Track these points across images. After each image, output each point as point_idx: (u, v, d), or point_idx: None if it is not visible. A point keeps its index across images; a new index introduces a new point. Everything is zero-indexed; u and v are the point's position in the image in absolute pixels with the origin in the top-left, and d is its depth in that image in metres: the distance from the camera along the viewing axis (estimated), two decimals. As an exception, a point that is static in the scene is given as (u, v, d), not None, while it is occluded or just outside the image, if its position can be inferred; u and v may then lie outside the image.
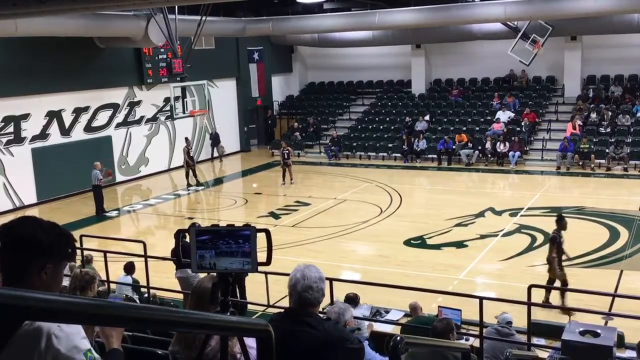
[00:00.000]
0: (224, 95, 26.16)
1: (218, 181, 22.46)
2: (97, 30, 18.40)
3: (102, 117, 21.05)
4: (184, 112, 20.60)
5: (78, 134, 20.21)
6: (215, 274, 2.71)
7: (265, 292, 9.13)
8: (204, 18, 18.54)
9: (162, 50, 21.39)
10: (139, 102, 22.34)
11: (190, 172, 20.72)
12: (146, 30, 18.71)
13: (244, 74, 26.52)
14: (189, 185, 20.66)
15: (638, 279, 11.39)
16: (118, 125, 21.64)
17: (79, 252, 9.74)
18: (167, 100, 23.04)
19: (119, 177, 21.57)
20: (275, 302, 9.07)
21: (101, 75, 20.34)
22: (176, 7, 17.73)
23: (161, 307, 2.10)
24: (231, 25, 24.03)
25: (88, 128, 20.58)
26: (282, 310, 3.25)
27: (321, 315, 3.19)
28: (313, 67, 30.37)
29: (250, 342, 2.41)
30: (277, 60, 28.77)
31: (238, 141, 27.24)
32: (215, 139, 25.10)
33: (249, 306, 8.63)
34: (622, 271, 11.63)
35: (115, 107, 21.46)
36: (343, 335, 2.98)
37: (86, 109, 20.44)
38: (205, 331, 2.10)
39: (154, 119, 23.05)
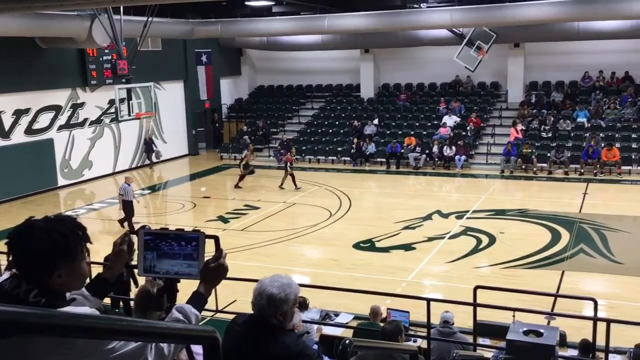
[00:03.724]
0: (171, 97, 25.77)
1: (160, 186, 22.07)
2: (39, 30, 17.86)
3: (44, 120, 20.42)
4: (129, 115, 20.20)
5: (18, 136, 19.54)
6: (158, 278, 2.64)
7: (213, 296, 9.01)
8: (150, 19, 18.24)
9: (106, 51, 20.92)
10: (82, 104, 21.76)
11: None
12: (90, 31, 18.26)
13: (192, 77, 26.21)
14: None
15: (579, 280, 11.75)
16: (60, 128, 21.03)
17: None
18: (111, 102, 22.57)
19: (61, 181, 20.97)
20: (224, 307, 8.96)
21: (43, 77, 19.74)
22: (121, 7, 17.38)
23: (103, 315, 2.02)
24: (179, 27, 23.71)
25: (29, 130, 19.93)
26: (241, 314, 3.16)
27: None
28: (262, 70, 30.26)
29: (198, 348, 2.35)
30: (226, 62, 28.55)
31: (186, 144, 26.87)
32: (149, 145, 24.35)
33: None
34: (563, 272, 11.98)
35: (57, 109, 20.86)
36: (303, 350, 2.92)
37: (27, 111, 19.80)
38: (150, 340, 2.04)
39: (98, 121, 22.50)
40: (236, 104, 29.48)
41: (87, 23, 18.17)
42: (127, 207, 15.22)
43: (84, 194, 20.87)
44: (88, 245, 2.18)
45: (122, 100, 19.73)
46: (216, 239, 2.52)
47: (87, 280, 2.34)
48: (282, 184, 19.80)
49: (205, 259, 2.50)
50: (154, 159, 24.48)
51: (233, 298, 9.20)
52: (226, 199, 19.93)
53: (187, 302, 2.36)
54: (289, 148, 22.27)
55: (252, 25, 24.15)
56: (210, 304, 8.89)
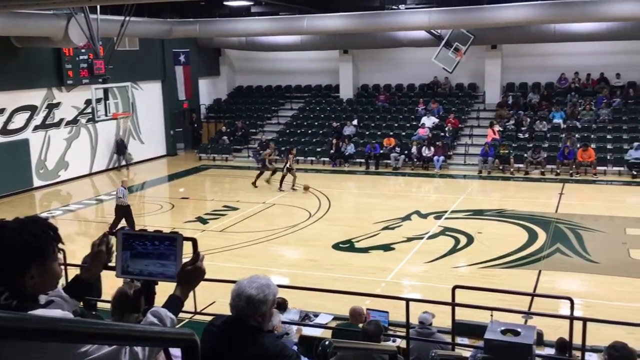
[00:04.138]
0: (148, 97, 25.56)
1: (138, 187, 21.86)
2: (15, 30, 17.60)
3: (19, 120, 20.11)
4: (106, 115, 20.00)
5: (-8, 136, 19.26)
6: (135, 279, 2.60)
7: (192, 298, 8.95)
8: (127, 18, 18.08)
9: (83, 50, 20.67)
10: (58, 104, 21.48)
11: (270, 174, 20.13)
12: (66, 30, 18.03)
13: (170, 77, 26.03)
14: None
15: (555, 279, 11.89)
16: (36, 128, 20.74)
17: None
18: (88, 102, 22.33)
19: (37, 182, 20.68)
20: (203, 309, 8.90)
21: (18, 76, 19.45)
22: (98, 6, 17.20)
23: (77, 318, 1.99)
24: (156, 27, 23.53)
25: (4, 131, 19.62)
26: (219, 315, 3.13)
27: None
28: (241, 70, 30.15)
29: (176, 351, 2.32)
30: (204, 62, 28.39)
31: (164, 145, 26.67)
32: (120, 147, 23.87)
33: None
34: (540, 271, 12.11)
35: (33, 109, 20.56)
36: (282, 351, 2.90)
37: (2, 111, 19.50)
38: (127, 343, 2.01)
39: (74, 121, 22.22)
40: (215, 105, 29.33)
41: (63, 22, 17.94)
42: (121, 211, 14.70)
43: (60, 195, 20.61)
44: (61, 246, 2.15)
45: (98, 101, 19.53)
46: (194, 241, 2.49)
47: (63, 282, 2.31)
48: (286, 185, 19.70)
49: (183, 261, 2.47)
50: (125, 162, 23.99)
51: (212, 299, 9.15)
52: (205, 199, 19.82)
53: (163, 306, 2.33)
54: (267, 147, 22.12)
55: (231, 25, 24.05)
56: (189, 305, 8.83)
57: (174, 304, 2.35)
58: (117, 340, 1.89)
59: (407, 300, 7.27)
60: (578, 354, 6.86)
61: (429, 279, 11.95)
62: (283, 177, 19.64)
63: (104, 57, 19.26)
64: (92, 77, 20.54)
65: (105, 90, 19.67)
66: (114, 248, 2.52)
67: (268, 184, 20.09)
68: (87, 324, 1.72)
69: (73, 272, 9.99)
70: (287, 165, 19.69)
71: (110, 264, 2.54)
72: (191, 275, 2.43)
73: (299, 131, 26.17)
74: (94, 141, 23.15)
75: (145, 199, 20.06)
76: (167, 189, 21.75)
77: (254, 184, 20.16)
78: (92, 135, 23.06)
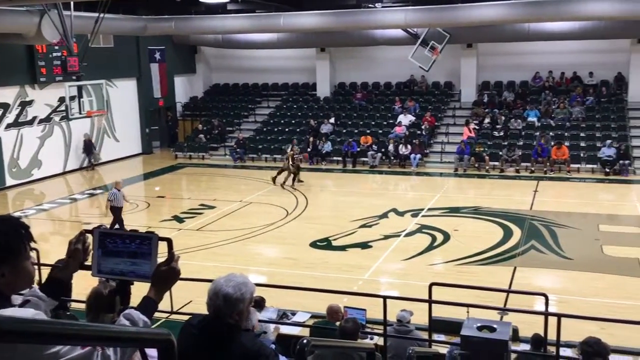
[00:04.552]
0: (123, 95, 25.28)
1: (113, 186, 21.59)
2: (-15, 25, 17.26)
3: (-10, 117, 19.79)
4: (80, 113, 19.68)
5: (-37, 135, 18.89)
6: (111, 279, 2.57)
7: (168, 297, 8.88)
8: (101, 15, 17.86)
9: (56, 47, 20.38)
10: (31, 102, 21.16)
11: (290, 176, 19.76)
12: (39, 27, 17.72)
13: (145, 74, 25.76)
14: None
15: (530, 275, 12.03)
16: (8, 126, 20.40)
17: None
18: (62, 100, 21.97)
19: (10, 181, 20.34)
20: (179, 308, 8.84)
21: (-11, 73, 19.12)
22: (72, 3, 16.94)
23: (54, 319, 1.96)
24: (131, 24, 23.28)
25: (-26, 129, 19.28)
26: (196, 314, 3.10)
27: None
28: (217, 68, 29.99)
29: (152, 351, 2.30)
30: (180, 60, 28.17)
31: (139, 143, 26.41)
32: (88, 146, 23.36)
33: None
34: (515, 268, 12.24)
35: (5, 107, 20.22)
36: (260, 350, 2.89)
37: (-28, 108, 19.15)
38: (103, 343, 1.98)
39: (47, 119, 21.91)
40: (191, 102, 29.13)
41: (36, 19, 17.64)
42: (117, 214, 14.43)
43: (33, 194, 20.29)
44: (34, 245, 2.12)
45: (72, 98, 19.20)
46: (169, 241, 2.46)
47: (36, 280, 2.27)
48: (292, 182, 19.65)
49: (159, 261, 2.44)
50: (93, 161, 23.47)
51: (188, 299, 9.09)
52: (181, 198, 19.68)
53: (137, 308, 2.30)
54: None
55: (207, 23, 23.89)
56: (165, 305, 8.78)
57: (148, 305, 2.32)
58: (92, 341, 1.87)
59: (385, 298, 7.30)
60: (553, 349, 6.95)
61: (406, 277, 12.01)
62: (294, 175, 19.62)
63: (77, 54, 18.96)
64: (65, 74, 20.19)
65: (79, 88, 19.35)
66: (91, 247, 2.49)
67: (293, 186, 19.74)
68: (59, 324, 1.69)
69: (47, 272, 9.84)
70: (291, 163, 19.63)
71: (86, 263, 2.51)
72: (165, 276, 2.40)
73: (276, 129, 26.11)
74: (68, 139, 22.85)
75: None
76: (142, 187, 21.54)
77: (280, 183, 19.85)
78: (65, 133, 22.75)
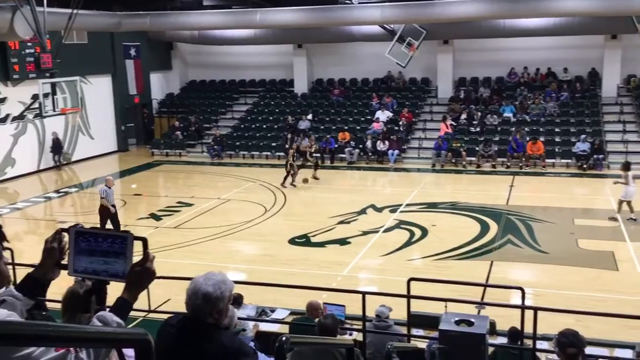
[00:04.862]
0: (98, 92, 24.97)
1: (88, 184, 21.37)
2: (-45, 21, 16.91)
3: (-38, 115, 19.42)
4: (54, 110, 19.39)
5: None
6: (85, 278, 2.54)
7: (146, 296, 8.80)
8: (75, 11, 17.60)
9: (29, 44, 20.07)
10: (3, 99, 20.82)
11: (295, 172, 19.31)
12: (11, 23, 17.40)
13: (120, 71, 25.49)
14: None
15: (507, 269, 12.16)
16: (-20, 124, 20.05)
17: None
18: (35, 97, 21.65)
19: (-18, 180, 20.00)
20: (157, 307, 8.77)
21: (-40, 70, 18.75)
22: (45, -2, 16.68)
23: (27, 321, 1.92)
24: (105, 20, 22.97)
25: (-55, 127, 18.90)
26: (175, 314, 3.07)
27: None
28: (194, 64, 29.77)
29: (130, 351, 2.27)
30: (156, 56, 27.91)
31: (115, 141, 26.13)
32: (56, 145, 22.85)
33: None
34: (492, 262, 12.36)
35: (-24, 104, 19.87)
36: (240, 348, 2.87)
37: (-58, 106, 18.77)
38: (78, 344, 1.95)
39: (20, 117, 21.57)
40: (167, 99, 28.89)
41: (8, 15, 17.31)
42: (105, 212, 13.71)
43: (6, 193, 19.97)
44: (7, 244, 2.08)
45: (46, 95, 18.91)
46: (144, 240, 2.43)
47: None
48: (289, 180, 19.29)
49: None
50: (62, 161, 23.02)
51: (166, 297, 9.02)
52: (158, 196, 19.52)
53: (111, 309, 2.27)
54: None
55: (183, 19, 23.68)
56: (143, 303, 8.73)
57: (121, 307, 2.28)
58: (67, 342, 1.84)
59: (363, 294, 7.32)
60: (529, 342, 7.03)
61: (384, 272, 12.06)
62: (292, 172, 19.28)
63: (51, 50, 18.66)
64: (39, 71, 19.90)
65: (53, 85, 19.05)
66: (67, 246, 2.46)
67: (316, 179, 19.78)
68: (33, 326, 1.66)
69: (23, 274, 9.69)
70: (290, 161, 19.40)
71: (63, 262, 2.47)
72: (140, 277, 2.36)
73: (253, 126, 26.01)
74: (42, 137, 22.52)
75: (96, 196, 19.59)
76: (118, 185, 21.25)
77: (305, 180, 19.65)
78: (39, 131, 22.42)
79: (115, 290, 2.51)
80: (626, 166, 15.42)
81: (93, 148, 24.74)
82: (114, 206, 13.87)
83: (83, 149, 24.28)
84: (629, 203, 14.82)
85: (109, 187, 13.93)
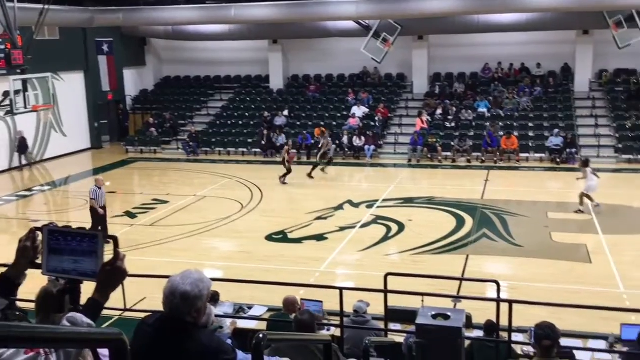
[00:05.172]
0: (71, 88, 24.62)
1: (62, 182, 21.06)
2: None
3: None
4: (25, 107, 19.10)
5: None
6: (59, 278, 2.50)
7: (121, 294, 8.71)
8: (46, 6, 17.33)
9: (-1, 40, 19.65)
10: (-27, 96, 20.40)
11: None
12: (-20, 18, 17.09)
13: (93, 67, 25.16)
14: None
15: (482, 263, 12.27)
16: (-51, 122, 19.63)
17: None
18: (6, 94, 21.26)
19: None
20: (133, 306, 8.69)
21: None
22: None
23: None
24: (77, 15, 22.66)
25: None
26: (151, 313, 3.03)
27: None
28: (168, 60, 29.49)
29: (105, 350, 2.23)
30: (129, 52, 27.58)
31: (88, 138, 25.78)
32: (22, 145, 22.24)
33: (103, 311, 8.19)
34: (468, 256, 12.47)
35: (-55, 101, 19.44)
36: (219, 347, 2.84)
37: None
38: (52, 345, 1.92)
39: (-9, 114, 21.16)
40: (141, 96, 28.58)
41: (-24, 10, 17.00)
42: (97, 214, 13.23)
43: (-23, 192, 19.59)
44: None
45: (17, 92, 18.61)
46: (114, 239, 2.40)
47: None
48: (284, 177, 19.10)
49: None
50: (27, 161, 22.41)
51: (142, 296, 8.93)
52: (133, 193, 19.32)
53: (81, 310, 2.24)
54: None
55: (156, 14, 23.45)
56: (118, 302, 8.64)
57: (92, 307, 2.25)
58: (40, 343, 1.81)
59: (341, 289, 7.33)
60: (505, 334, 7.11)
61: (362, 268, 12.09)
62: (288, 171, 19.07)
63: (22, 47, 18.35)
64: (9, 68, 19.50)
65: (24, 82, 18.77)
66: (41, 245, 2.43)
67: (324, 172, 19.87)
68: (4, 327, 1.62)
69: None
70: (286, 158, 19.20)
71: (37, 262, 2.44)
72: (110, 276, 2.33)
73: (229, 122, 25.87)
74: (14, 135, 22.13)
75: (69, 194, 19.35)
76: (92, 183, 20.93)
77: (309, 175, 19.67)
78: (10, 128, 22.03)
79: (91, 289, 2.47)
80: (584, 162, 15.91)
81: (66, 145, 24.38)
82: (104, 208, 13.38)
83: (56, 146, 23.91)
84: (588, 196, 15.13)
85: (99, 188, 13.47)
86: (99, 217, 13.27)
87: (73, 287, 2.44)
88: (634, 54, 22.50)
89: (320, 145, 20.44)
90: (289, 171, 19.02)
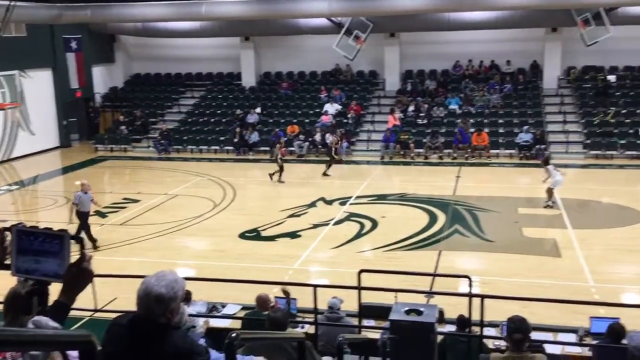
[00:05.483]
0: (38, 86, 24.18)
1: (30, 181, 20.67)
2: None
3: None
4: (-8, 105, 18.74)
5: None
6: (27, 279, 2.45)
7: (91, 295, 8.57)
8: (12, 3, 16.99)
9: (-37, 36, 19.21)
10: (-63, 94, 19.92)
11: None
12: (-57, 14, 16.70)
13: (61, 64, 24.74)
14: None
15: (454, 258, 12.38)
16: None
17: None
18: (-29, 92, 20.87)
19: None
20: (104, 306, 8.56)
21: None
22: (-21, -12, 16.04)
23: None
24: (44, 11, 22.24)
25: None
26: (123, 314, 2.98)
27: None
28: (138, 57, 29.14)
29: (75, 353, 2.20)
30: (98, 49, 27.19)
31: (57, 136, 25.36)
32: None
33: (74, 312, 8.05)
34: (440, 252, 12.57)
35: None
36: (192, 347, 2.81)
37: None
38: (20, 348, 1.88)
39: (-44, 113, 20.68)
40: (111, 93, 28.20)
41: (-62, 5, 16.60)
42: (83, 219, 12.84)
43: (-59, 192, 19.15)
44: None
45: (-18, 90, 18.25)
46: (80, 240, 2.37)
47: None
48: (276, 177, 18.88)
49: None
50: None
51: (113, 296, 8.81)
52: (103, 192, 19.02)
53: (47, 313, 2.19)
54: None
55: (125, 10, 23.12)
56: (89, 303, 8.51)
57: (58, 309, 2.21)
58: (8, 346, 1.76)
59: (315, 287, 7.33)
60: (477, 329, 7.18)
61: (335, 265, 12.10)
62: (281, 169, 18.83)
63: (-13, 43, 18.02)
64: (-26, 65, 19.19)
65: (-10, 79, 18.41)
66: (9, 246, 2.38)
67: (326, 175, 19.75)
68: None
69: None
70: (280, 156, 19.01)
71: (6, 262, 2.38)
72: (76, 278, 2.29)
73: (201, 120, 25.68)
74: (-21, 133, 21.66)
75: (38, 193, 19.01)
76: (61, 182, 20.71)
77: (325, 174, 19.64)
78: (-24, 127, 21.56)
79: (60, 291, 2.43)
80: (545, 161, 16.30)
81: (34, 144, 23.96)
82: (87, 212, 12.92)
83: (23, 145, 23.47)
84: (550, 191, 15.41)
85: (85, 193, 12.94)
86: (83, 223, 12.84)
87: (41, 288, 2.39)
88: (601, 51, 22.91)
89: (329, 143, 20.43)
90: (281, 169, 18.90)
